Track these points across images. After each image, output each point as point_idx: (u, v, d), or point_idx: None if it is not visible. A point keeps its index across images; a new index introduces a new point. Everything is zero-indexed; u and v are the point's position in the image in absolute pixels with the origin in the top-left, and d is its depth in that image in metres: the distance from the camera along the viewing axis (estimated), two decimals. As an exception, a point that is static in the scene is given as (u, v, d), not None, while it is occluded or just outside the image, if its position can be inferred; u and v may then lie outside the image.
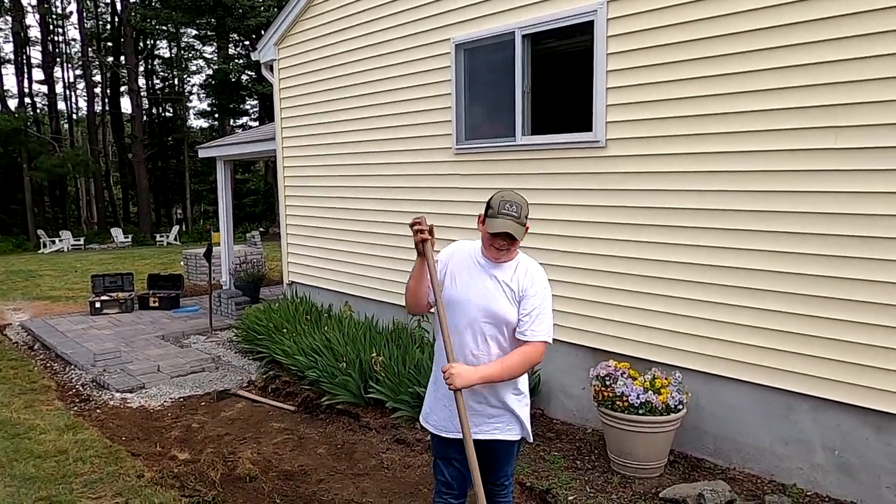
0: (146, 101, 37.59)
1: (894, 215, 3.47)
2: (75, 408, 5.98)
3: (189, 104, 40.00)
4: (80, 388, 6.64)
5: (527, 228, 2.64)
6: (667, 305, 4.43)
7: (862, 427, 3.67)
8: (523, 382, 2.79)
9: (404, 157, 6.30)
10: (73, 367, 7.33)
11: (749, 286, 4.02)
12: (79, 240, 27.12)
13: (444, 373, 2.54)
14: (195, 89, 39.26)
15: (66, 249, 25.90)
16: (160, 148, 37.60)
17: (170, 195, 40.83)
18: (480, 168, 5.58)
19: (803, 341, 3.83)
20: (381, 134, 6.55)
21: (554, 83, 5.94)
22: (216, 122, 36.97)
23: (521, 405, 2.78)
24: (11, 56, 35.74)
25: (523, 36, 5.09)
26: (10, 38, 34.91)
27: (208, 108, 38.24)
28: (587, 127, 4.77)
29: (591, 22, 4.66)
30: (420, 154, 6.11)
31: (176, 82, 39.33)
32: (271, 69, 8.00)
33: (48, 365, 7.56)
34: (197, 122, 41.53)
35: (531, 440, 2.97)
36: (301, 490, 4.30)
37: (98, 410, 5.93)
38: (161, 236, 28.23)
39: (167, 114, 40.58)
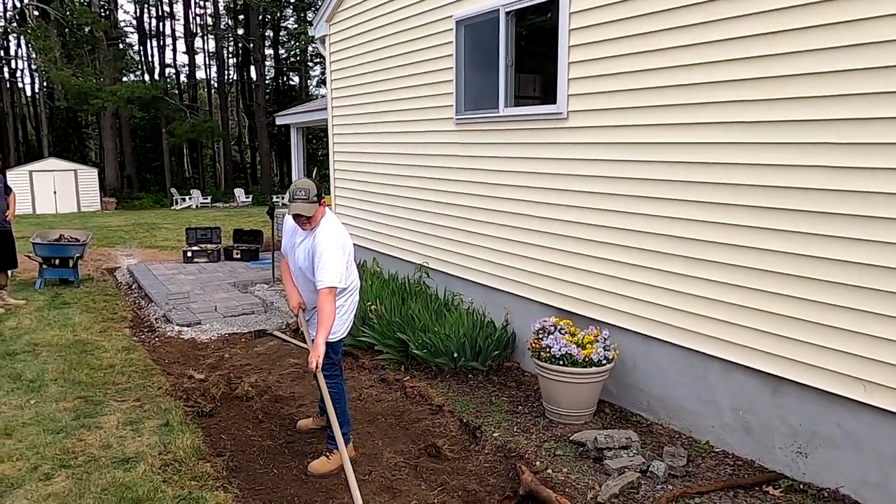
0: (272, 70, 40.21)
1: (800, 188, 3.59)
2: (140, 336, 7.15)
3: (312, 73, 42.31)
4: (154, 322, 7.84)
5: (323, 203, 3.70)
6: (610, 269, 4.71)
7: (760, 389, 3.85)
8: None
9: (419, 126, 6.81)
10: (153, 304, 8.61)
11: (677, 253, 4.23)
12: (207, 198, 29.98)
13: (309, 364, 3.56)
14: (315, 59, 41.39)
15: (195, 206, 28.74)
16: (284, 114, 40.10)
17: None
18: (475, 137, 6.00)
19: (713, 305, 4.02)
20: (402, 105, 7.09)
21: (534, 58, 6.18)
22: (334, 90, 38.82)
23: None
24: (153, 31, 39.50)
25: (506, 12, 5.41)
26: (154, 14, 38.57)
27: (327, 77, 40.27)
28: (554, 100, 5.06)
29: (557, -1, 4.92)
30: (429, 123, 6.61)
31: (299, 52, 41.66)
32: (324, 44, 8.72)
33: (136, 301, 8.90)
34: (319, 90, 43.85)
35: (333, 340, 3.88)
36: (283, 411, 5.08)
37: (156, 339, 7.05)
38: (277, 197, 30.49)
39: (291, 82, 43.18)
